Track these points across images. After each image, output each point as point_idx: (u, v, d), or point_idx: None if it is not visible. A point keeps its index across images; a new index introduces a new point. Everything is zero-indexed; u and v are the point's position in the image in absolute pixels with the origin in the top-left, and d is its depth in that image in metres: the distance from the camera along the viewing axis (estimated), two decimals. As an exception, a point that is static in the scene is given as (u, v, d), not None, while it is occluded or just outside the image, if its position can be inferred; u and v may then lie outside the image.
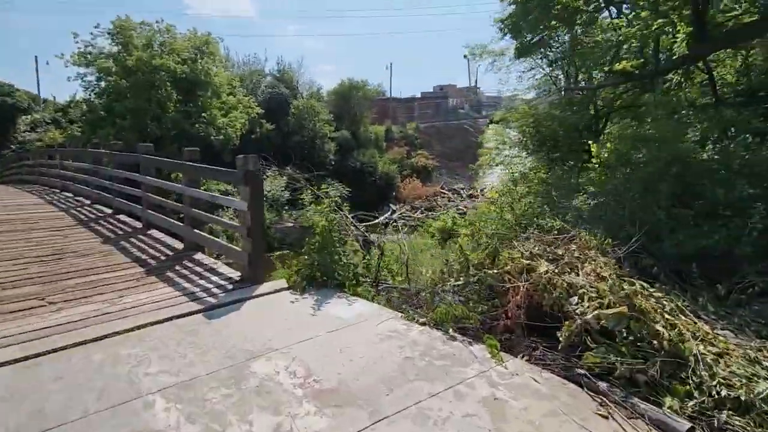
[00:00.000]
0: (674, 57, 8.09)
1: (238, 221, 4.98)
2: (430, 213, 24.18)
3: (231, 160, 19.39)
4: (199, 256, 5.62)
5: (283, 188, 20.96)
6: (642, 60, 8.97)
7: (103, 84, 16.80)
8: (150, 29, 17.69)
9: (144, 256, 5.66)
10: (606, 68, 10.12)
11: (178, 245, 6.12)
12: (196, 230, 5.70)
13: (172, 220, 6.36)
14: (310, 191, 5.98)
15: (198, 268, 5.11)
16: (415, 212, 24.39)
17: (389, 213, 25.54)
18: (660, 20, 7.18)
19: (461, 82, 56.84)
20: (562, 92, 11.99)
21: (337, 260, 4.46)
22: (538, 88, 16.06)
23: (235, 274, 4.80)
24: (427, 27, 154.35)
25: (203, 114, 17.99)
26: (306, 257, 4.55)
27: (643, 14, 7.42)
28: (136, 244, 6.27)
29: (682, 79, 9.30)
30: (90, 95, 17.00)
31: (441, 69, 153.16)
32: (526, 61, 16.51)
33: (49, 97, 30.25)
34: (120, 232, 7.08)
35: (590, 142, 10.49)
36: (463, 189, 28.43)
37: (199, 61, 17.52)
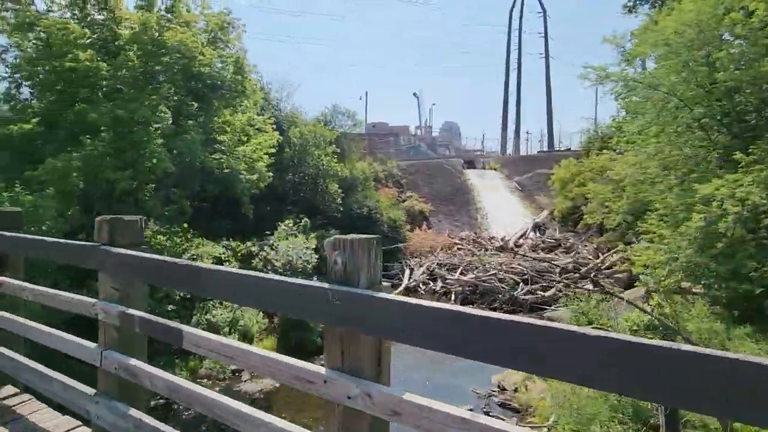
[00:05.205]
0: None
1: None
2: (472, 273, 19.45)
3: (255, 213, 12.06)
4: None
5: (309, 248, 14.26)
6: None
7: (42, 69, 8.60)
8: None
9: None
10: None
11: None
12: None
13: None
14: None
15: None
16: (455, 273, 19.26)
17: (408, 273, 20.16)
18: None
19: (390, 120, 55.08)
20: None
21: None
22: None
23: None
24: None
25: (220, 138, 10.77)
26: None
27: None
28: None
29: None
30: (13, 89, 8.54)
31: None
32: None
33: None
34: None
35: None
36: (481, 239, 24.44)
37: (226, 50, 10.46)
